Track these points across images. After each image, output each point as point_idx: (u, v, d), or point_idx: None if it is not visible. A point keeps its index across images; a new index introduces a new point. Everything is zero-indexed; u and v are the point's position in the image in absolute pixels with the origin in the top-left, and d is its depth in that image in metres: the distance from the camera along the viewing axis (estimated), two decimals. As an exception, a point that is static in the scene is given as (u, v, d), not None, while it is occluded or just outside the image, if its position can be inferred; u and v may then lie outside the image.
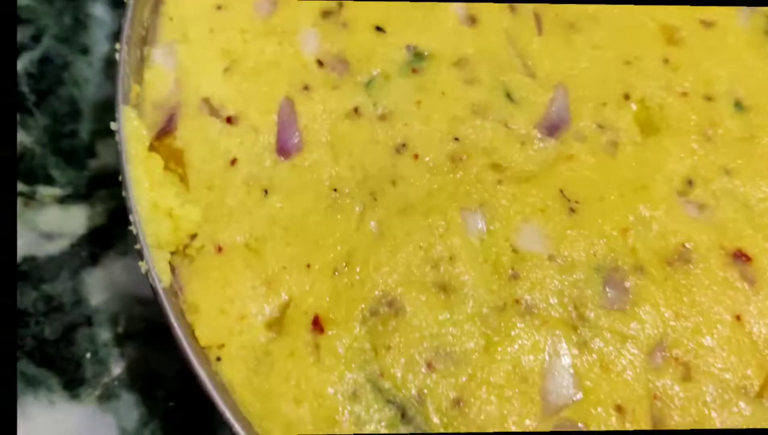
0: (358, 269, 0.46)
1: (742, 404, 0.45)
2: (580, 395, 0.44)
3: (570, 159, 0.50)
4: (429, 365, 0.44)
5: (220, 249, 0.46)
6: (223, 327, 0.44)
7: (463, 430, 0.43)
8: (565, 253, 0.47)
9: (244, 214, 0.47)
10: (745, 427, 0.44)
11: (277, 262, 0.46)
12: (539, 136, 0.50)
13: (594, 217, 0.48)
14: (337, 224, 0.47)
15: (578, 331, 0.46)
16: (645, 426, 0.44)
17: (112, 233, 0.55)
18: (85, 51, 0.60)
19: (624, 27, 0.55)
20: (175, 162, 0.48)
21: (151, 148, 0.48)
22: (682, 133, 0.52)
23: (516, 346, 0.45)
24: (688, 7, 0.56)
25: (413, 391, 0.43)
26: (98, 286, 0.54)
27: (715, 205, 0.50)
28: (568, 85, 0.52)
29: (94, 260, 0.54)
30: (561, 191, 0.49)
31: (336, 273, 0.46)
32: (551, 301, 0.46)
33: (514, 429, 0.43)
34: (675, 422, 0.44)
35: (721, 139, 0.52)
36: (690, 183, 0.50)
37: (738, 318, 0.47)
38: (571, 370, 0.45)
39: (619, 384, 0.45)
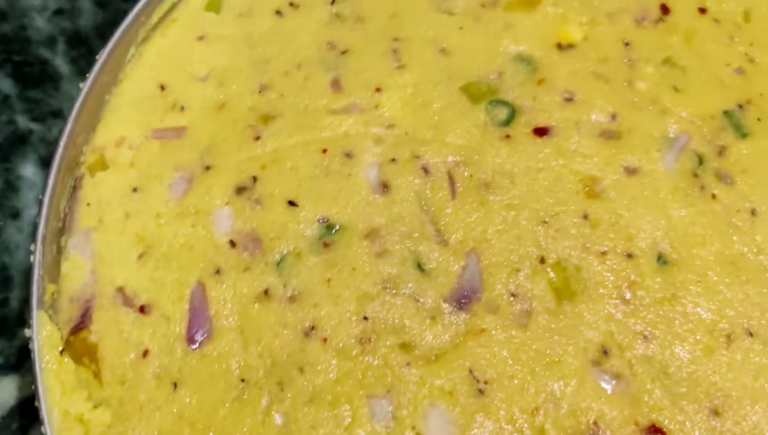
0: None
1: None
2: None
3: (481, 334, 0.50)
4: None
5: None
6: None
7: None
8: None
9: (153, 410, 0.48)
10: None
11: None
12: (449, 309, 0.50)
13: (503, 398, 0.48)
14: (243, 418, 0.47)
15: None
16: None
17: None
18: (15, 215, 0.61)
19: (542, 182, 0.54)
20: (89, 357, 0.49)
21: (67, 343, 0.49)
22: (599, 296, 0.51)
23: None
24: (611, 153, 0.55)
25: None
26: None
27: (630, 374, 0.49)
28: (481, 251, 0.52)
29: (23, 433, 0.55)
30: (470, 371, 0.49)
31: None
32: None
33: None
34: None
35: (640, 301, 0.51)
36: (605, 352, 0.50)
37: None
38: None
39: None
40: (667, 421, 0.48)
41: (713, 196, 0.54)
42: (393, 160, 0.54)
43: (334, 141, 0.55)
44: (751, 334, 0.51)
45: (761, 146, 0.57)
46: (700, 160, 0.56)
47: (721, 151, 0.56)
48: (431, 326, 0.50)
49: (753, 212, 0.54)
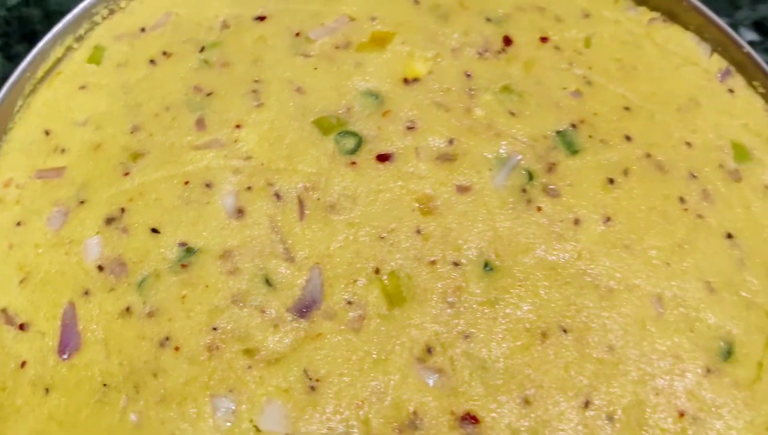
0: None
1: None
2: None
3: (317, 338, 0.56)
4: None
5: None
6: None
7: None
8: (302, 430, 0.53)
9: (28, 412, 0.55)
10: None
11: None
12: (291, 318, 0.56)
13: (332, 393, 0.54)
14: (104, 417, 0.54)
15: None
16: None
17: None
18: None
19: (381, 202, 0.60)
20: None
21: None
22: (427, 301, 0.57)
23: None
24: (446, 173, 0.61)
25: None
26: None
27: (451, 369, 0.55)
28: (323, 265, 0.58)
29: None
30: (305, 371, 0.55)
31: None
32: None
33: None
34: None
35: (463, 304, 0.57)
36: (429, 350, 0.56)
37: None
38: None
39: None
40: (480, 410, 0.54)
41: (539, 209, 0.61)
42: (249, 188, 0.61)
43: (196, 173, 0.62)
44: (565, 331, 0.57)
45: (588, 161, 0.63)
46: (530, 177, 0.62)
47: (551, 168, 0.62)
48: (273, 333, 0.56)
49: (576, 222, 0.60)
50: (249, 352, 0.56)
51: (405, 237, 0.60)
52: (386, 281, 0.58)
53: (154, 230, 0.60)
